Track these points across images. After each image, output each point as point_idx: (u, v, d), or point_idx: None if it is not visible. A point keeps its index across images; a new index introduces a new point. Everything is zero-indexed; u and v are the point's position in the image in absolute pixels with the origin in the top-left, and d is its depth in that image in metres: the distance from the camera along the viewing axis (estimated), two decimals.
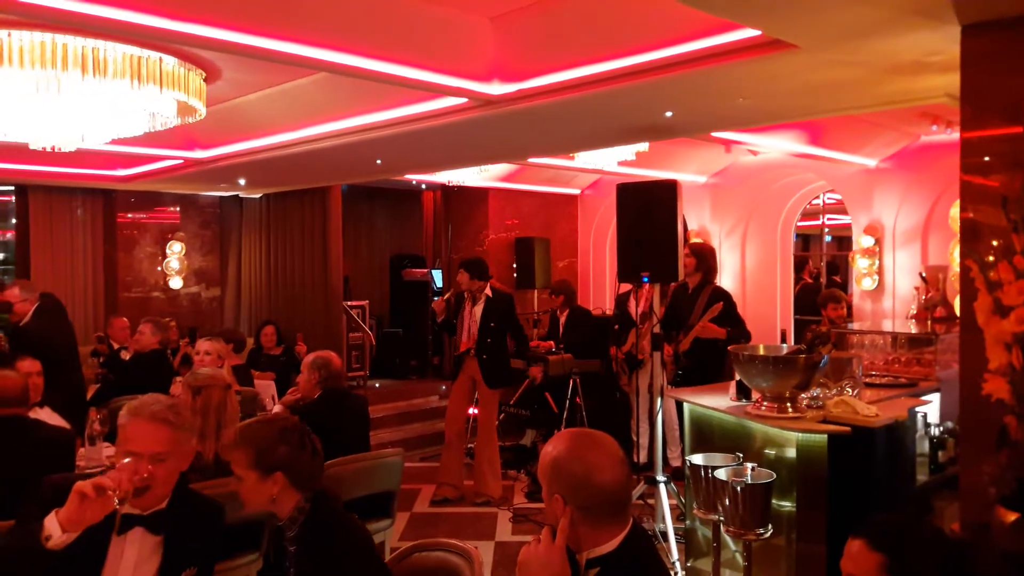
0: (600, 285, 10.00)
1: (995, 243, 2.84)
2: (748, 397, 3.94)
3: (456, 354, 6.27)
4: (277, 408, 4.63)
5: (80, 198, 8.84)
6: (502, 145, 6.27)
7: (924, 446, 4.04)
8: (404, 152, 6.35)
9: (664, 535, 4.73)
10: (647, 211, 5.05)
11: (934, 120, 6.15)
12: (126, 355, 6.46)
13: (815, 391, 3.72)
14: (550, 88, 4.32)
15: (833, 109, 4.91)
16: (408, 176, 8.65)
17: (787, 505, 3.60)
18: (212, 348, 4.99)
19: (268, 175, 7.86)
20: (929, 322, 5.35)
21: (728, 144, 7.20)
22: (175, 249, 9.42)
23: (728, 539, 3.67)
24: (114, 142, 5.26)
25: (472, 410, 6.53)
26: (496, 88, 4.50)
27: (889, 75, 3.94)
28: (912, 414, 3.87)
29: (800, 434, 3.53)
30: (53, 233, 8.64)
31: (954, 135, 5.89)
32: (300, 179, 8.37)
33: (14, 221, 8.73)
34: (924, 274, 5.90)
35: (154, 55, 4.04)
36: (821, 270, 9.38)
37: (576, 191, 10.12)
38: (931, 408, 4.14)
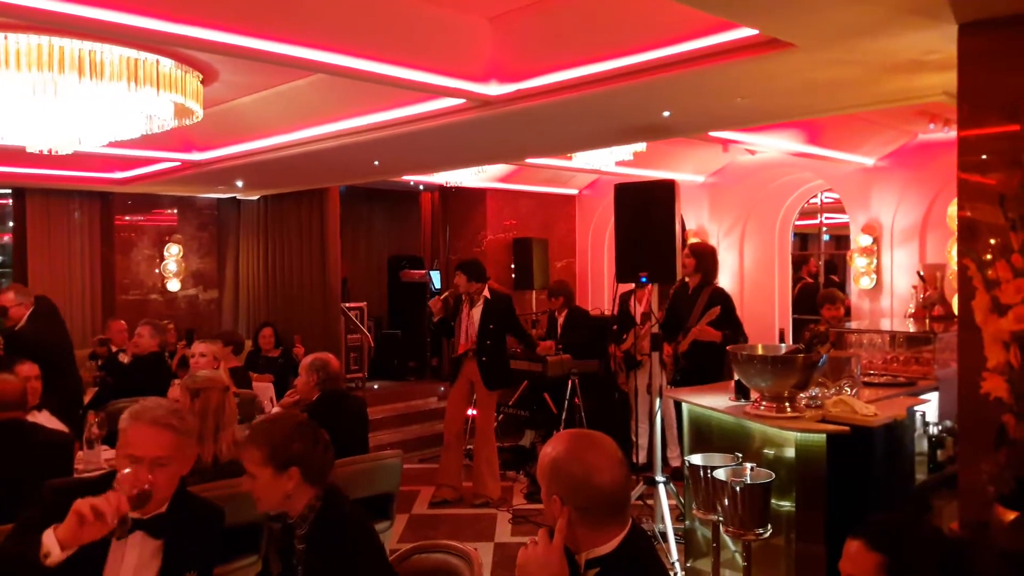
0: (598, 285, 10.00)
1: (993, 241, 2.84)
2: (747, 397, 3.94)
3: (454, 356, 6.27)
4: (275, 411, 4.63)
5: (77, 201, 8.82)
6: (500, 146, 6.27)
7: (923, 445, 4.04)
8: (402, 153, 6.34)
9: (663, 535, 4.73)
10: (645, 211, 5.05)
11: (931, 118, 6.16)
12: (124, 358, 6.46)
13: (814, 391, 3.72)
14: (548, 88, 4.32)
15: (831, 108, 4.91)
16: (406, 177, 8.65)
17: (786, 505, 3.60)
18: (208, 350, 4.98)
19: (266, 177, 7.85)
20: (927, 321, 5.34)
21: (726, 143, 7.20)
22: (173, 251, 9.42)
23: (727, 539, 3.66)
24: (111, 144, 5.25)
25: (471, 411, 6.53)
26: (494, 89, 4.50)
27: (886, 74, 3.94)
28: (911, 413, 3.87)
29: (799, 434, 3.53)
30: (50, 236, 8.62)
31: (952, 133, 5.88)
32: (298, 181, 8.36)
33: (11, 224, 8.72)
34: (922, 273, 5.89)
35: (151, 57, 4.03)
36: (819, 269, 9.38)
37: (574, 191, 10.12)
38: (929, 407, 4.13)
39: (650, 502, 5.22)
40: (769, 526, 3.33)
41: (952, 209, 5.81)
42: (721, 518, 3.41)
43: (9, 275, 8.78)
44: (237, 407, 3.81)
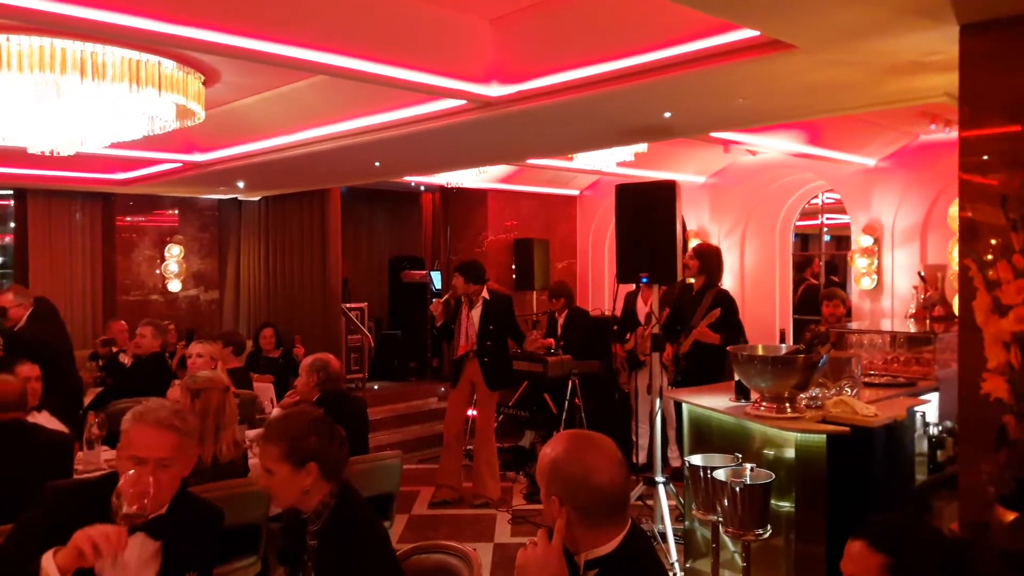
0: (599, 286, 10.00)
1: (994, 242, 2.84)
2: (747, 397, 3.94)
3: (455, 358, 6.27)
4: (276, 411, 4.63)
5: (79, 202, 8.83)
6: (501, 147, 6.27)
7: (923, 446, 4.04)
8: (403, 154, 6.34)
9: (663, 536, 4.73)
10: (646, 212, 5.05)
11: (933, 119, 6.15)
12: (124, 358, 6.46)
13: (814, 391, 3.72)
14: (549, 90, 4.32)
15: (832, 109, 4.91)
16: (407, 178, 8.65)
17: (786, 505, 3.60)
18: (205, 350, 4.97)
19: (267, 178, 7.85)
20: (928, 321, 5.34)
21: (727, 144, 7.20)
22: (174, 252, 9.42)
23: (727, 540, 3.66)
24: (113, 146, 5.26)
25: (471, 412, 6.53)
26: (495, 90, 4.50)
27: (888, 75, 3.94)
28: (911, 414, 3.87)
29: (799, 434, 3.53)
30: (52, 237, 8.63)
31: (953, 134, 5.88)
32: (299, 182, 8.36)
33: (13, 225, 8.73)
34: (923, 273, 5.89)
35: (153, 59, 4.04)
36: (820, 270, 9.38)
37: (575, 192, 10.12)
38: (930, 407, 4.13)
39: (650, 502, 5.22)
40: (769, 527, 3.33)
41: (953, 210, 5.81)
42: (721, 519, 3.41)
43: (10, 276, 8.79)
44: (237, 407, 3.81)
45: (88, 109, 4.28)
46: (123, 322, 7.41)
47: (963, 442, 3.06)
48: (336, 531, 2.27)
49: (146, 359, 5.63)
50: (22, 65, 3.69)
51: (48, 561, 1.91)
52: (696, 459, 3.66)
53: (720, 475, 3.40)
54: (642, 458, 6.32)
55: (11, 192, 8.57)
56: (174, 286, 9.45)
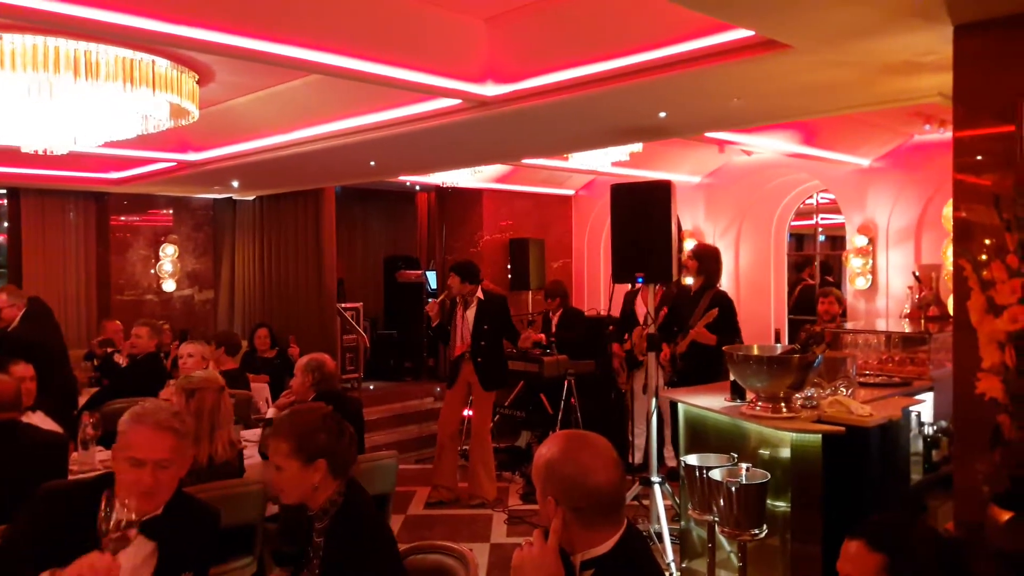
0: (595, 286, 10.01)
1: (988, 242, 2.85)
2: (743, 397, 3.94)
3: (451, 359, 6.26)
4: (271, 412, 4.62)
5: (72, 201, 8.80)
6: (496, 146, 6.27)
7: (918, 445, 4.04)
8: (398, 154, 6.34)
9: (659, 536, 4.73)
10: (641, 212, 5.05)
11: (927, 119, 6.17)
12: (119, 358, 6.44)
13: (809, 391, 3.72)
14: (544, 89, 4.32)
15: (826, 109, 4.92)
16: (402, 177, 8.64)
17: (782, 505, 3.60)
18: (196, 351, 4.96)
19: (261, 177, 7.84)
20: (923, 321, 5.35)
21: (722, 144, 7.20)
22: (168, 252, 9.40)
23: (723, 540, 3.67)
24: (106, 145, 5.24)
25: (466, 412, 6.53)
26: (490, 89, 4.50)
27: (882, 75, 3.95)
28: (906, 413, 3.87)
29: (794, 434, 3.54)
30: (45, 236, 8.60)
31: (947, 134, 5.90)
32: (293, 181, 8.35)
33: (6, 224, 8.70)
34: (917, 273, 5.90)
35: (147, 57, 4.02)
36: (815, 269, 9.39)
37: (570, 192, 10.13)
38: (925, 407, 4.14)
39: (646, 502, 5.22)
40: (765, 526, 3.33)
41: (947, 210, 5.82)
42: (717, 518, 3.41)
43: (4, 275, 8.76)
44: (233, 407, 3.80)
45: (82, 108, 4.26)
46: (118, 322, 7.38)
47: (958, 442, 3.06)
48: (343, 529, 2.27)
49: (142, 359, 5.61)
50: (15, 64, 3.67)
51: None
52: (692, 459, 3.66)
53: (716, 475, 3.40)
54: (638, 458, 6.32)
55: (4, 191, 8.55)
56: (168, 286, 9.43)
